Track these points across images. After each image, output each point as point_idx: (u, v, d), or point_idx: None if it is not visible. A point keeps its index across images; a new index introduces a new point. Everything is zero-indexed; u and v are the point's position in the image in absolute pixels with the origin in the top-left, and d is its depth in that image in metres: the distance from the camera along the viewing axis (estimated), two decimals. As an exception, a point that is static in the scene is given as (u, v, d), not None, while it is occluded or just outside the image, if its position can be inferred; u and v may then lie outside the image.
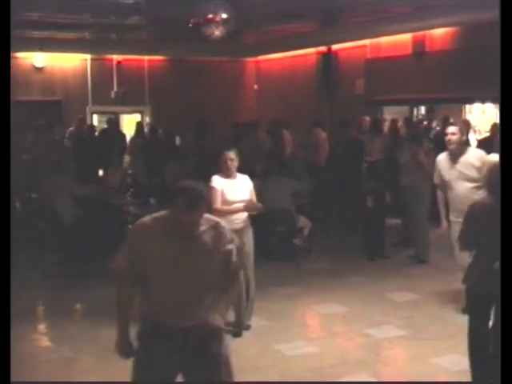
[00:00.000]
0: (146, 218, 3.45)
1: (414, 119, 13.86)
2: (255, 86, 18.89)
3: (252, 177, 9.60)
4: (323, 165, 11.66)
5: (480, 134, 12.63)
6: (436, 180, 6.58)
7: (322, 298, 7.32)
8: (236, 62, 18.56)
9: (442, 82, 12.73)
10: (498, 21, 3.29)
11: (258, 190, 9.08)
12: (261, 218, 8.92)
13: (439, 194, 6.62)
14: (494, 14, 10.40)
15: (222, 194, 6.03)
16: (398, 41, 13.89)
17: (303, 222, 8.91)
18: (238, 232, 5.85)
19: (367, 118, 12.60)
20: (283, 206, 8.71)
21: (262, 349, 5.86)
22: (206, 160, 10.92)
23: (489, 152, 10.80)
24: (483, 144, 11.28)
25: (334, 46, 15.52)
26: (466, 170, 6.21)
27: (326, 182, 10.95)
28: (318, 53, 16.08)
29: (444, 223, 6.60)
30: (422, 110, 14.39)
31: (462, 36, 12.54)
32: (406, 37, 13.57)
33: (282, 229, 8.86)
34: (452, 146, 6.27)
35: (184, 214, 3.27)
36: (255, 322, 6.53)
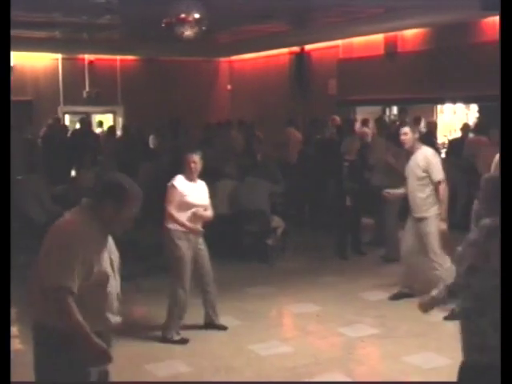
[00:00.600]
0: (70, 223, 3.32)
1: (387, 119, 13.97)
2: (228, 86, 18.87)
3: (224, 177, 9.62)
4: (296, 164, 11.70)
5: (451, 134, 12.78)
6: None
7: (295, 298, 7.34)
8: (209, 62, 18.53)
9: (413, 83, 12.85)
10: (498, 21, 3.32)
11: (232, 191, 9.15)
12: (234, 218, 8.96)
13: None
14: (464, 14, 10.58)
15: (182, 196, 5.91)
16: (370, 41, 13.98)
17: (277, 221, 8.93)
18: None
19: (337, 118, 12.66)
20: (259, 206, 8.73)
21: (236, 349, 5.85)
22: (179, 160, 10.89)
23: (459, 151, 11.00)
24: (454, 144, 11.43)
25: (307, 47, 15.59)
26: (414, 168, 6.63)
27: (299, 181, 10.99)
28: (291, 53, 16.13)
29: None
30: (395, 110, 14.53)
31: (434, 37, 12.66)
32: (378, 37, 13.67)
33: (256, 229, 8.86)
34: (405, 146, 6.69)
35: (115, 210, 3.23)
36: (229, 322, 6.52)
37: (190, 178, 6.02)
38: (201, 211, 6.01)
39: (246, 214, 8.78)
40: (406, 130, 6.72)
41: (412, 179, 6.69)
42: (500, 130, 3.57)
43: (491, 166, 9.42)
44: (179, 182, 5.98)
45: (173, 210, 5.88)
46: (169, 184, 5.98)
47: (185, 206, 5.91)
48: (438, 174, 6.61)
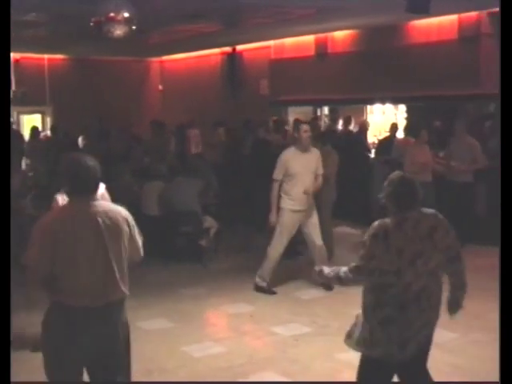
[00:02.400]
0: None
1: (320, 121, 14.14)
2: (160, 87, 18.73)
3: (155, 178, 9.52)
4: (228, 164, 11.68)
5: (380, 133, 13.03)
6: (279, 175, 7.21)
7: (229, 298, 7.34)
8: (140, 62, 18.34)
9: (344, 83, 13.05)
10: (499, 20, 3.37)
11: (162, 192, 9.06)
12: (166, 219, 8.89)
13: (276, 186, 7.25)
14: (392, 17, 10.80)
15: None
16: (301, 42, 14.13)
17: (209, 222, 8.91)
18: None
19: (274, 118, 12.75)
20: (189, 206, 8.68)
21: (170, 351, 5.81)
22: (109, 161, 10.72)
23: (388, 151, 11.22)
24: (383, 143, 11.66)
25: (239, 47, 15.63)
26: (310, 163, 7.19)
27: (232, 181, 10.98)
28: (223, 53, 16.14)
29: (274, 215, 7.31)
30: (326, 110, 14.73)
31: (363, 38, 12.89)
32: (309, 38, 13.83)
33: (189, 230, 8.82)
34: (304, 142, 7.17)
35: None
36: (163, 323, 6.48)
37: None
38: None
39: (178, 214, 8.72)
40: (306, 127, 7.21)
41: (307, 173, 7.20)
42: (500, 129, 3.64)
43: (417, 165, 9.69)
44: None
45: None
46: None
47: None
48: (321, 169, 7.44)
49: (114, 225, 3.59)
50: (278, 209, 7.34)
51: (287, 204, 7.29)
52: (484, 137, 10.42)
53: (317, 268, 3.95)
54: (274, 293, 7.41)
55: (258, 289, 7.48)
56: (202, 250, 8.80)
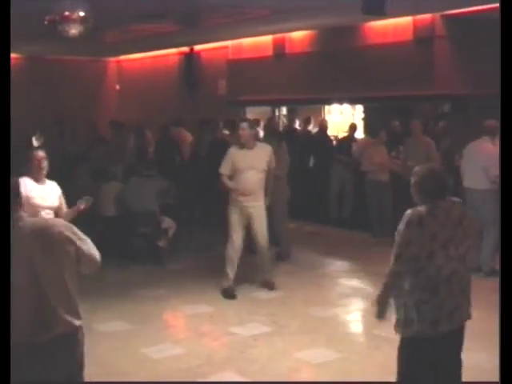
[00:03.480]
0: None
1: (276, 119, 14.19)
2: (117, 86, 18.56)
3: (112, 178, 9.43)
4: (186, 165, 11.64)
5: (338, 133, 13.12)
6: (225, 170, 7.34)
7: (188, 299, 7.32)
8: (97, 62, 18.15)
9: (301, 84, 13.11)
10: (499, 21, 3.39)
11: (119, 192, 8.99)
12: (124, 220, 8.82)
13: (224, 178, 7.38)
14: (348, 18, 10.90)
15: (28, 198, 5.26)
16: (259, 42, 14.15)
17: (168, 222, 8.87)
18: None
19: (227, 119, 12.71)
20: (147, 207, 8.63)
21: (128, 353, 5.76)
22: (65, 162, 10.59)
23: (347, 151, 11.32)
24: (342, 143, 11.77)
25: (197, 47, 15.57)
26: (257, 161, 7.25)
27: (190, 182, 10.96)
28: (181, 53, 16.07)
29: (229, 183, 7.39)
30: (284, 110, 14.78)
31: (320, 39, 12.97)
32: (267, 39, 13.85)
33: (147, 230, 8.77)
34: (243, 140, 7.27)
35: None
36: (121, 326, 6.43)
37: (36, 178, 5.60)
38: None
39: (136, 215, 8.66)
40: (245, 125, 7.30)
41: (251, 170, 7.23)
42: (500, 129, 3.70)
43: (375, 164, 9.80)
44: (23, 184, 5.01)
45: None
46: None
47: (30, 209, 5.15)
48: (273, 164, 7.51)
49: (48, 246, 3.17)
50: (228, 204, 7.43)
51: (235, 200, 7.35)
52: (437, 137, 10.60)
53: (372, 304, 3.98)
54: (234, 297, 7.34)
55: (222, 292, 7.46)
56: (161, 250, 8.76)
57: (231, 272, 7.46)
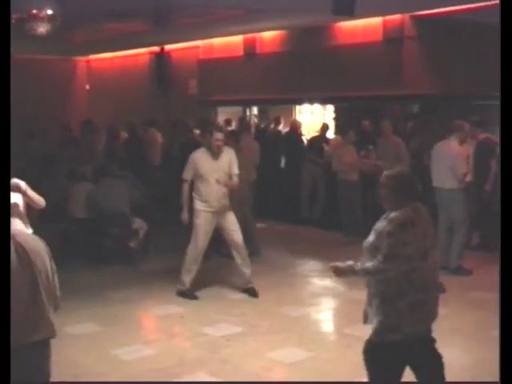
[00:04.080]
0: None
1: (248, 119, 14.20)
2: (87, 86, 18.41)
3: (83, 179, 9.34)
4: (157, 165, 11.60)
5: (309, 133, 13.18)
6: (188, 175, 7.23)
7: (159, 300, 7.29)
8: (66, 61, 17.98)
9: (272, 84, 13.13)
10: (499, 21, 3.40)
11: (90, 193, 8.91)
12: (95, 221, 8.75)
13: (185, 186, 7.27)
14: (318, 18, 10.95)
15: None
16: (230, 42, 14.14)
17: (138, 223, 8.81)
18: None
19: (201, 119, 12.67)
20: (118, 208, 8.56)
21: (99, 355, 5.71)
22: (33, 163, 10.45)
23: (319, 150, 11.35)
24: (313, 142, 11.81)
25: (167, 47, 15.52)
26: (222, 164, 7.18)
27: (161, 182, 10.92)
28: (151, 53, 16.00)
29: (185, 214, 7.30)
30: (255, 110, 14.80)
31: (291, 39, 13.00)
32: (238, 38, 13.85)
33: (117, 232, 8.70)
34: (216, 150, 7.16)
35: None
36: (91, 328, 6.38)
37: None
38: None
39: (106, 216, 8.60)
40: (219, 136, 7.18)
41: (218, 176, 7.13)
42: (500, 129, 3.71)
43: (345, 164, 9.86)
44: None
45: None
46: None
47: None
48: (237, 168, 7.35)
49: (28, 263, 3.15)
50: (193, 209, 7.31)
51: (199, 205, 7.23)
52: (407, 136, 10.71)
53: (331, 265, 3.89)
54: (196, 298, 7.27)
55: (180, 294, 7.35)
56: (131, 251, 8.71)
57: (187, 278, 7.31)
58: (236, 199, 9.07)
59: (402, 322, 3.71)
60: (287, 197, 11.81)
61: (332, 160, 10.43)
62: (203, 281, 7.87)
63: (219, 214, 7.28)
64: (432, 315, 3.84)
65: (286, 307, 6.98)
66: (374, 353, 3.83)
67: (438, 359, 3.92)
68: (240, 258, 7.42)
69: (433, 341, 3.91)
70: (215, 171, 7.16)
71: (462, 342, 5.83)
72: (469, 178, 8.22)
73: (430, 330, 3.87)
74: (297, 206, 11.74)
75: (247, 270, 7.44)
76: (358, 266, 3.78)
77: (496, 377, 4.86)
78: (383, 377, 3.83)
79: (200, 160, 7.20)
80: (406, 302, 3.69)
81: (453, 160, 7.97)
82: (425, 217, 3.82)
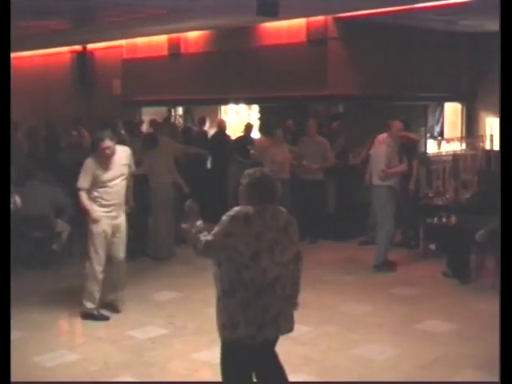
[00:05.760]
0: None
1: (173, 120, 14.11)
2: (6, 85, 17.87)
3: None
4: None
5: (234, 133, 13.19)
6: (85, 183, 6.61)
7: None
8: (-17, 59, 17.40)
9: (197, 84, 13.09)
10: (499, 21, 3.40)
11: (12, 195, 8.64)
12: (16, 224, 8.48)
13: (83, 194, 6.64)
14: (243, 19, 10.98)
15: None
16: (154, 42, 14.02)
17: (61, 226, 8.62)
18: None
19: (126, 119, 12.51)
20: (41, 211, 8.36)
21: (19, 362, 5.51)
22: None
23: (244, 150, 11.37)
24: (238, 142, 11.82)
25: (90, 46, 15.25)
26: (117, 168, 6.66)
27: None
28: (73, 52, 15.69)
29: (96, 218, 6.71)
30: (180, 110, 14.71)
31: (215, 39, 12.99)
32: (162, 38, 13.75)
33: (39, 235, 8.48)
34: (106, 159, 6.56)
35: None
36: (12, 334, 6.14)
37: None
38: None
39: (28, 219, 8.36)
40: (110, 144, 6.53)
41: (118, 180, 6.68)
42: (500, 129, 3.70)
43: (277, 164, 9.90)
44: None
45: None
46: None
47: None
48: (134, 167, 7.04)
49: None
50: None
51: (98, 213, 6.68)
52: (331, 136, 10.86)
53: (184, 225, 3.92)
54: (107, 318, 6.71)
55: (86, 316, 6.70)
56: (54, 254, 8.50)
57: (97, 291, 6.77)
58: (159, 201, 9.03)
59: (234, 321, 3.77)
60: (214, 197, 11.77)
61: (263, 160, 10.44)
62: (129, 282, 7.77)
63: (118, 221, 6.79)
64: (267, 322, 3.76)
65: (213, 308, 6.89)
66: (221, 351, 3.92)
67: (278, 373, 3.96)
68: (117, 274, 6.95)
69: (275, 355, 3.94)
70: (114, 175, 6.66)
71: (386, 336, 5.93)
72: (390, 176, 8.33)
73: (272, 342, 3.88)
74: (223, 206, 11.69)
75: (117, 293, 7.00)
76: (200, 239, 3.80)
77: (418, 369, 5.01)
78: (229, 376, 3.89)
79: (96, 165, 6.60)
80: (237, 298, 3.75)
81: (377, 157, 8.37)
82: (269, 221, 3.81)
